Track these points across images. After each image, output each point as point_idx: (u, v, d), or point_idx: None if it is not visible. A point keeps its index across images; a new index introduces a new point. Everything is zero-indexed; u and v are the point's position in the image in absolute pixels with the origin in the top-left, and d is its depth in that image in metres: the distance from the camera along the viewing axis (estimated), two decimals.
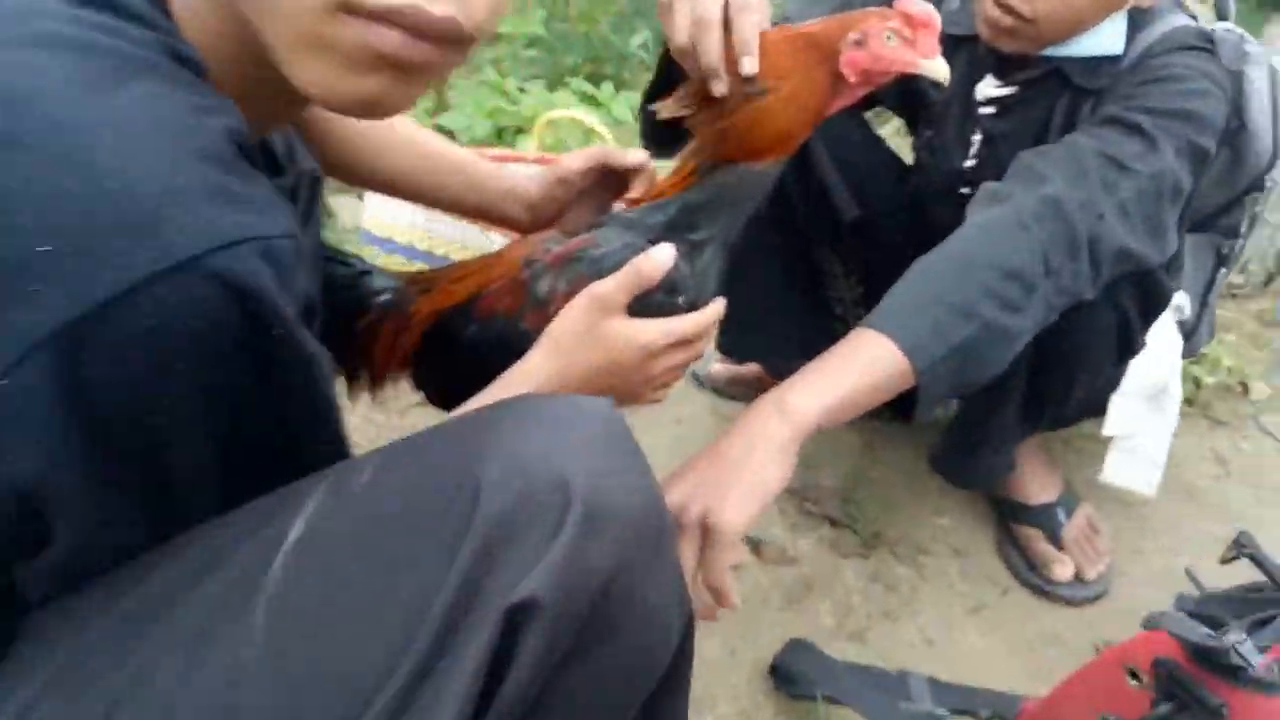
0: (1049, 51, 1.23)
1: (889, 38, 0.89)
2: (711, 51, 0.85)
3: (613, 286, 0.79)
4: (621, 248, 0.86)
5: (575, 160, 1.01)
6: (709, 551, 0.83)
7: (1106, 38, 1.21)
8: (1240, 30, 1.33)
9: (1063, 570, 1.48)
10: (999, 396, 1.29)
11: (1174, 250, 1.17)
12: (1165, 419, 1.55)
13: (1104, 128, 1.14)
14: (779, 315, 1.56)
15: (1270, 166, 1.38)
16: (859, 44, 0.89)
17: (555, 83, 2.91)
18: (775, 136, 0.89)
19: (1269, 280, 2.41)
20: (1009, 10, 1.17)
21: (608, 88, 2.83)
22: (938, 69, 0.90)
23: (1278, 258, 2.38)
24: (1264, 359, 2.15)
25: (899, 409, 1.07)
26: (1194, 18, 1.28)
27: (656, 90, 0.99)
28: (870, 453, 1.73)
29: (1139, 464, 1.56)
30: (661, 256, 0.80)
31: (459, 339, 0.91)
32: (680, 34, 0.87)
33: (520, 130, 2.53)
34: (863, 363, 0.96)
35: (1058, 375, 1.26)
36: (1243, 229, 1.50)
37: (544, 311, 0.84)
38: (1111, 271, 1.09)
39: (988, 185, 1.13)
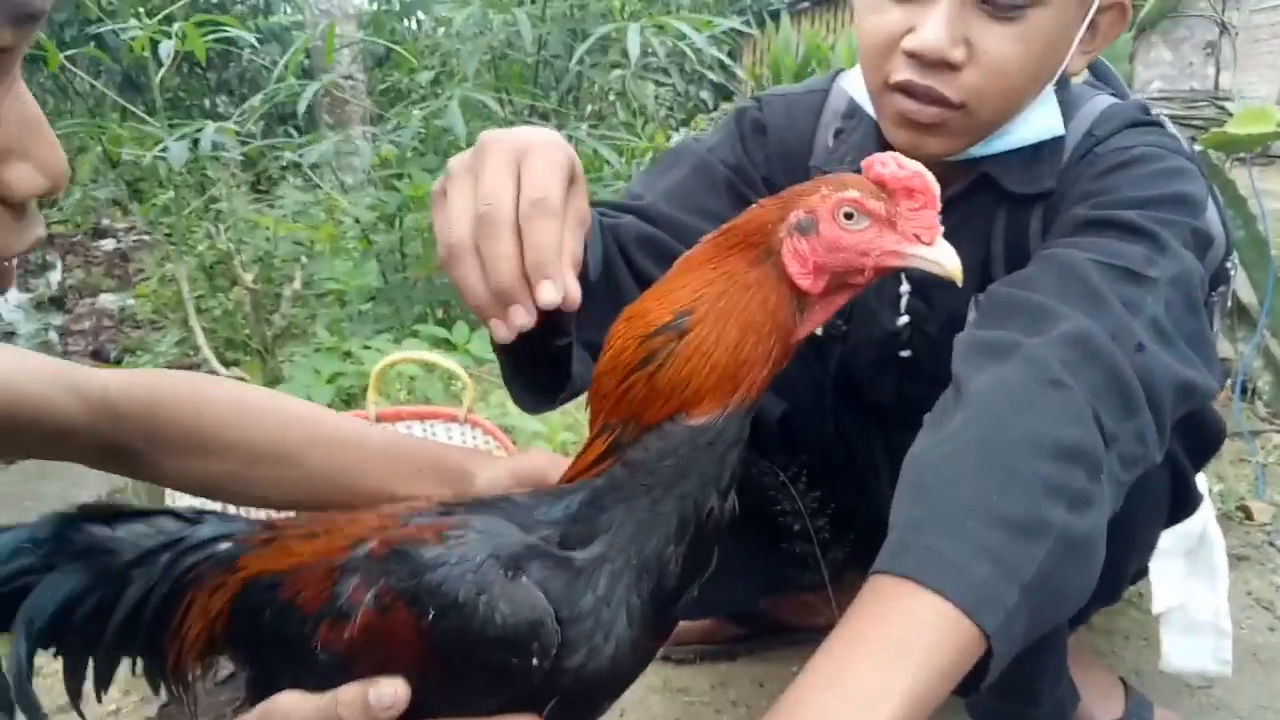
0: (976, 150, 0.99)
1: (849, 216, 0.61)
2: (502, 267, 0.61)
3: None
4: (477, 564, 0.58)
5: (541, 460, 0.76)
6: None
7: (1040, 120, 0.98)
8: (1141, 99, 1.15)
9: None
10: None
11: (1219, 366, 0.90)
12: (1215, 575, 1.25)
13: (1089, 234, 0.88)
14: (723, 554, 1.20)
15: (1228, 252, 1.15)
16: (802, 230, 0.61)
17: (403, 334, 2.63)
18: (709, 376, 0.60)
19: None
20: (932, 99, 0.93)
21: (461, 328, 2.57)
22: (943, 259, 0.62)
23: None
24: (1247, 474, 1.92)
25: None
26: (1119, 95, 1.09)
27: None
28: None
29: (1202, 639, 1.24)
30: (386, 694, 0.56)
31: (259, 621, 0.65)
32: (456, 230, 0.64)
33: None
34: (904, 645, 0.61)
35: (1106, 561, 0.94)
36: (1216, 325, 1.27)
37: (340, 628, 0.59)
38: (1175, 416, 0.80)
39: (972, 336, 0.83)
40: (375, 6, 6.90)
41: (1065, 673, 1.08)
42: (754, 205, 0.65)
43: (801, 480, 1.20)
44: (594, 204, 1.04)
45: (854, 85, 1.09)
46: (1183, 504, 0.96)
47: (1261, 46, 9.71)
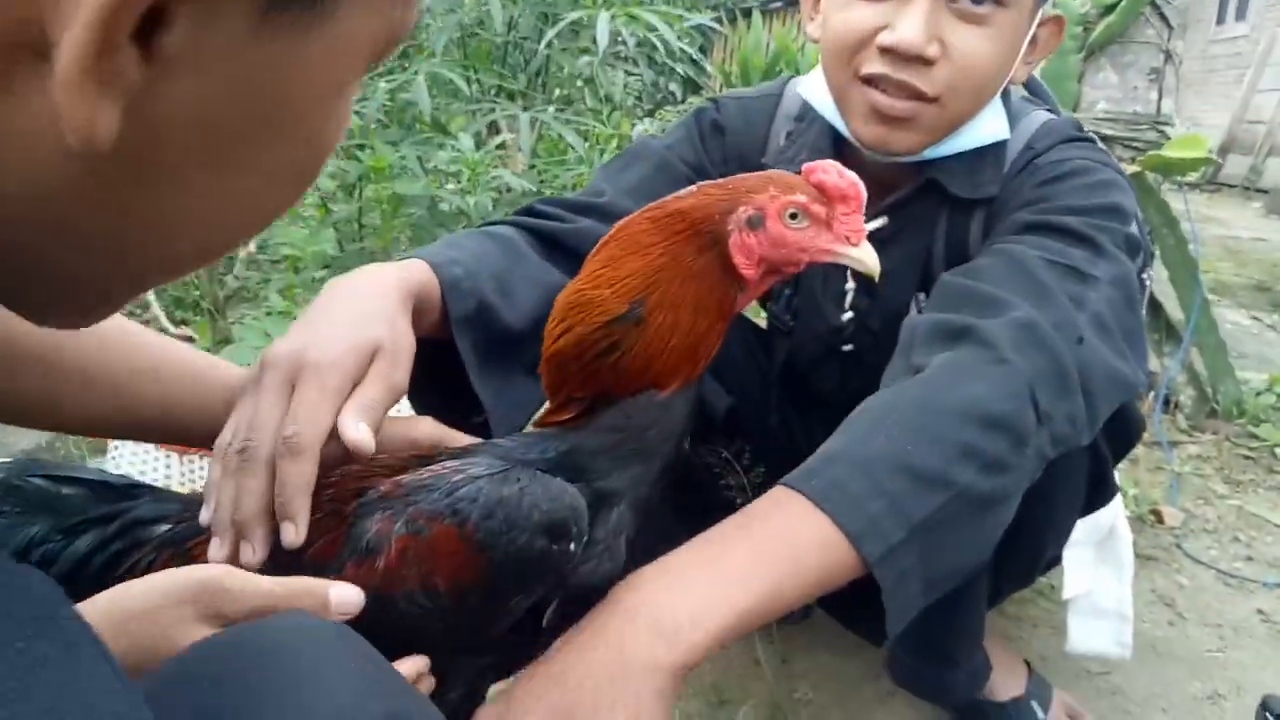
0: (929, 153, 1.04)
1: (794, 216, 0.68)
2: (246, 502, 0.63)
3: (197, 588, 0.53)
4: (507, 471, 0.64)
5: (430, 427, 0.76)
6: None
7: (988, 125, 1.05)
8: (1073, 117, 1.22)
9: None
10: (973, 579, 1.01)
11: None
12: (1121, 566, 1.33)
13: (1034, 235, 0.94)
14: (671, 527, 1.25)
15: (1146, 263, 1.23)
16: (751, 226, 0.67)
17: None
18: (670, 358, 0.67)
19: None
20: (908, 93, 0.98)
21: None
22: (866, 258, 0.70)
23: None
24: (1162, 481, 2.01)
25: (847, 616, 0.78)
26: (1053, 111, 1.15)
27: None
28: (788, 667, 1.40)
29: (1105, 624, 1.32)
30: (346, 595, 0.59)
31: None
32: (221, 442, 0.67)
33: None
34: (784, 550, 0.68)
35: (1025, 540, 0.99)
36: None
37: (370, 562, 0.62)
38: (1107, 406, 0.86)
39: (931, 320, 0.89)
40: None
41: (980, 642, 1.15)
42: (696, 189, 0.70)
43: (745, 457, 1.26)
44: (555, 201, 1.08)
45: (807, 89, 1.15)
46: (1100, 492, 1.03)
47: (1217, 76, 10.03)
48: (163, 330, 2.49)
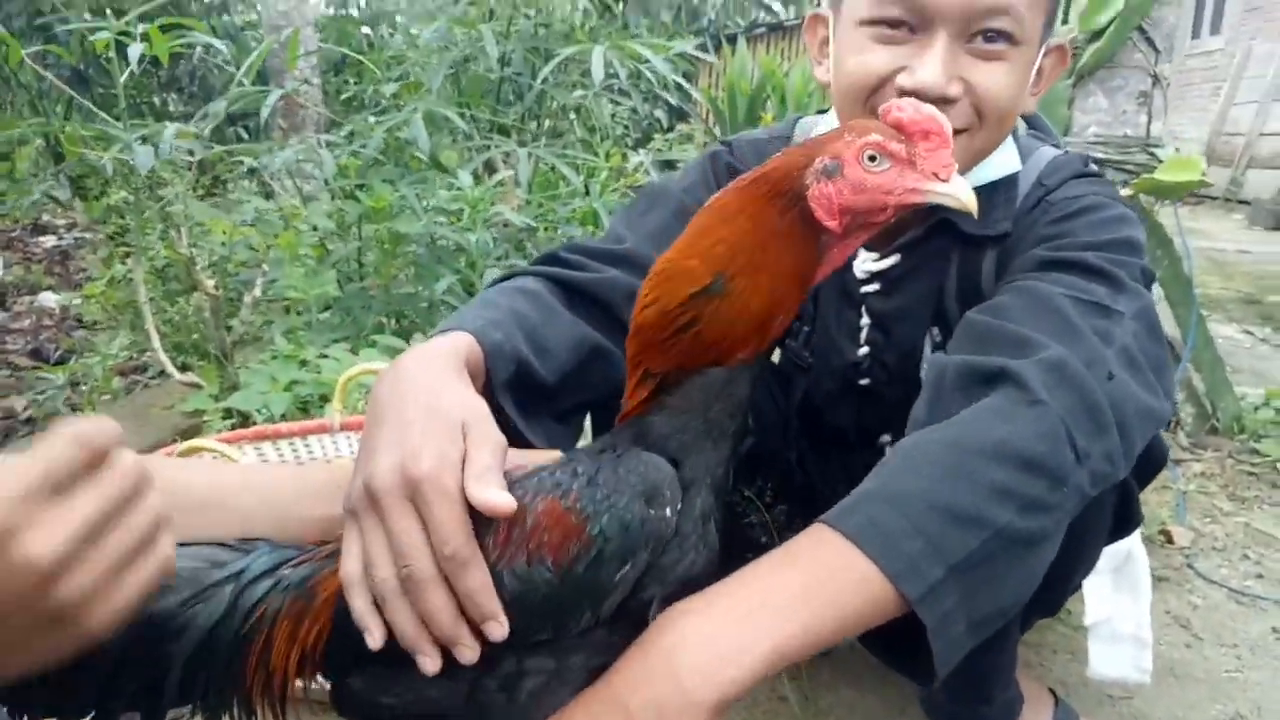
0: None
1: (873, 159, 0.67)
2: (442, 619, 0.65)
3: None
4: (600, 455, 0.69)
5: None
6: None
7: (999, 160, 1.07)
8: (1080, 152, 1.24)
9: None
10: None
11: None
12: (1138, 590, 1.34)
13: (1054, 271, 0.95)
14: None
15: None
16: (829, 174, 0.66)
17: (360, 343, 2.64)
18: (748, 326, 0.67)
19: None
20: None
21: (419, 338, 2.58)
22: (959, 193, 0.68)
23: None
24: (1169, 500, 2.03)
25: (890, 655, 0.79)
26: (1058, 145, 1.18)
27: None
28: (813, 703, 1.40)
29: (1124, 649, 1.32)
30: None
31: None
32: (379, 573, 0.67)
33: (325, 398, 2.20)
34: (822, 587, 0.69)
35: (1054, 570, 1.01)
36: None
37: (480, 545, 0.66)
38: (1141, 439, 0.86)
39: (962, 363, 0.89)
40: (332, 11, 6.87)
41: (1013, 675, 1.16)
42: (779, 154, 0.71)
43: (767, 495, 1.27)
44: (578, 248, 1.09)
45: (816, 128, 1.17)
46: (1126, 520, 1.04)
47: (1193, 90, 10.16)
48: (164, 375, 2.48)
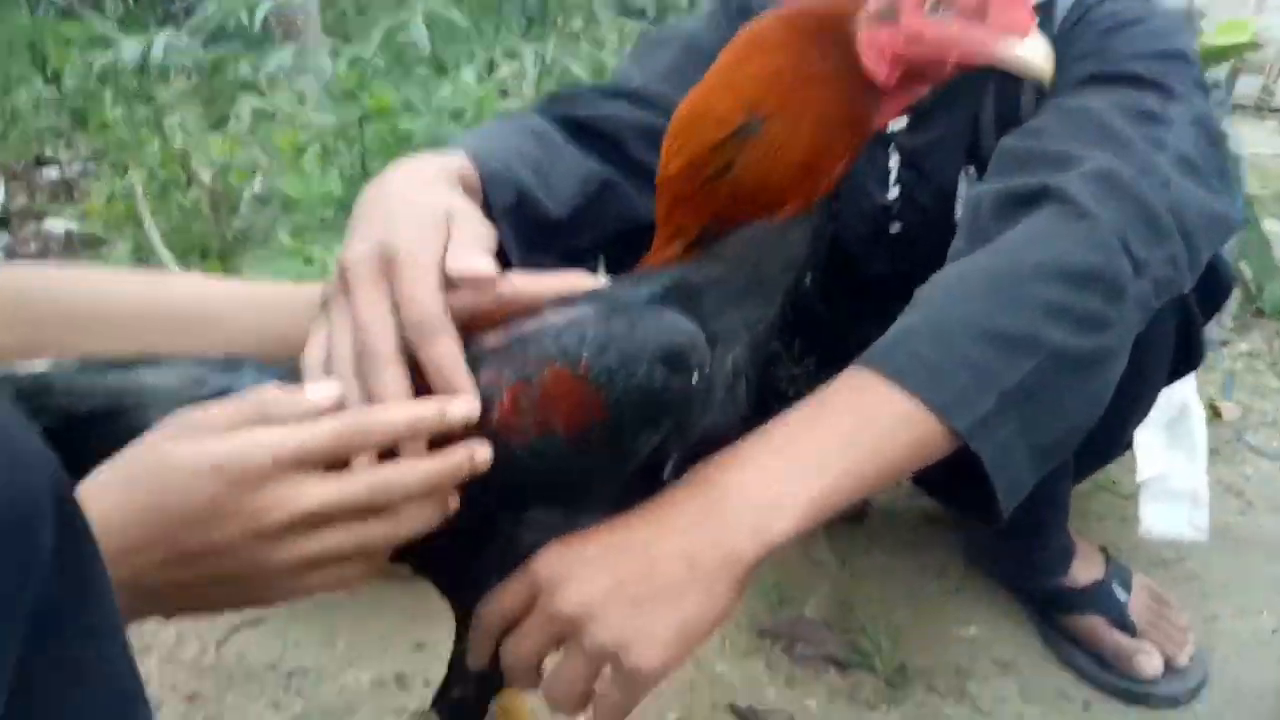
0: None
1: (935, 7, 0.59)
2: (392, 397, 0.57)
3: (215, 410, 0.54)
4: (613, 310, 0.59)
5: None
6: (616, 695, 0.60)
7: None
8: None
9: (1150, 662, 1.12)
10: None
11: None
12: (1194, 447, 1.27)
13: (1098, 86, 0.86)
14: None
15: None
16: (884, 19, 0.59)
17: None
18: (789, 175, 0.59)
19: None
20: None
21: None
22: (1034, 56, 0.60)
23: None
24: (1215, 379, 1.94)
25: (950, 500, 0.73)
26: None
27: None
28: (850, 564, 1.34)
29: (1179, 507, 1.26)
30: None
31: None
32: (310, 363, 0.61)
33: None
34: (862, 430, 0.63)
35: (1111, 405, 0.93)
36: None
37: (485, 417, 0.57)
38: (1208, 246, 0.79)
39: (998, 190, 0.80)
40: None
41: (1067, 519, 1.10)
42: None
43: (795, 347, 1.19)
44: (581, 89, 1.01)
45: None
46: (1189, 354, 0.96)
47: (1220, 3, 9.84)
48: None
